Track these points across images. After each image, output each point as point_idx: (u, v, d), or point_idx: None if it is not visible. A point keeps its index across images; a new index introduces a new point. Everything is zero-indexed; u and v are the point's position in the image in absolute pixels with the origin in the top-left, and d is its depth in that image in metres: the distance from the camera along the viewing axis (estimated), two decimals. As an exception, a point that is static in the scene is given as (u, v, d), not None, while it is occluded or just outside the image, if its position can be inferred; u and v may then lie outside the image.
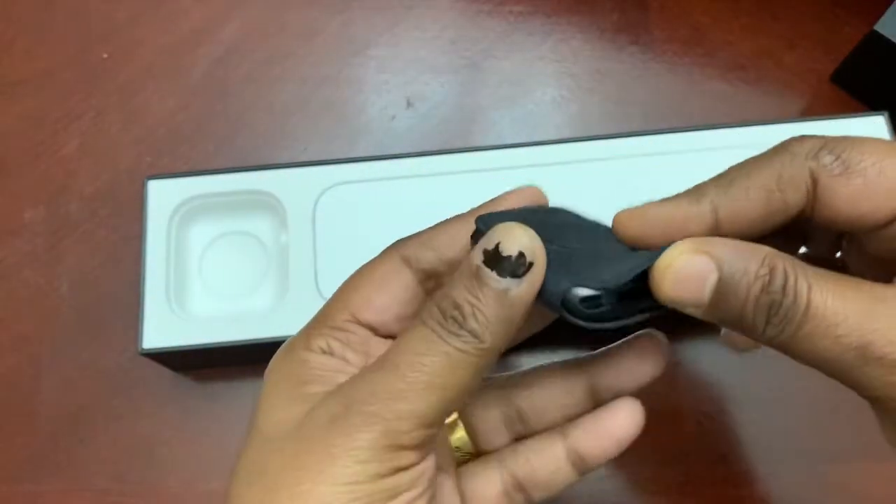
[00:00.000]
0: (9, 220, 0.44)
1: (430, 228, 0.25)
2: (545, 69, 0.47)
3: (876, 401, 0.21)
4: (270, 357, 0.26)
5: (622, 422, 0.26)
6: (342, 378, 0.23)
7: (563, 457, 0.26)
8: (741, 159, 0.28)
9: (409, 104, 0.46)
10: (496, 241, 0.21)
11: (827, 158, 0.22)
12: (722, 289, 0.21)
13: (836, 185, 0.22)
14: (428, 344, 0.21)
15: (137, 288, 0.38)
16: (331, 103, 0.46)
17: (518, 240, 0.21)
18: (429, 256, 0.25)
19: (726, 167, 0.24)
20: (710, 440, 0.39)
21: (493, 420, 0.27)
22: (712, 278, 0.21)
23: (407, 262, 0.25)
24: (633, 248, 0.23)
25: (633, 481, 0.39)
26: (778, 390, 0.39)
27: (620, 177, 0.39)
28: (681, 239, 0.22)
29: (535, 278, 0.21)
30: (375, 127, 0.46)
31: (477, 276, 0.21)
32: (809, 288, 0.20)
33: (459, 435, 0.27)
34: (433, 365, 0.21)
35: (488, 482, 0.27)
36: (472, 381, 0.22)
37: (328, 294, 0.37)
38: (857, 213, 0.22)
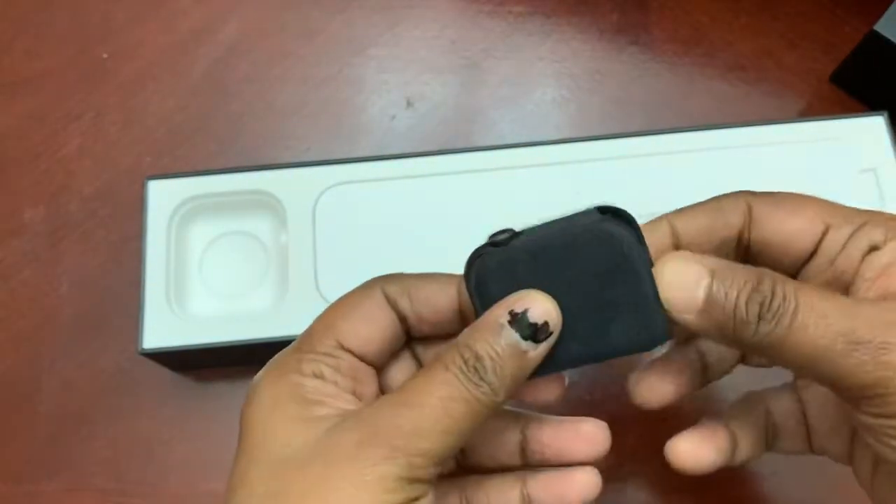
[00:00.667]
0: (9, 220, 0.44)
1: (412, 276, 0.27)
2: (545, 69, 0.47)
3: (862, 390, 0.22)
4: (270, 357, 0.26)
5: (577, 487, 0.28)
6: (342, 403, 0.24)
7: (518, 502, 0.28)
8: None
9: (409, 104, 0.46)
10: (525, 307, 0.23)
11: (760, 195, 0.26)
12: (714, 293, 0.23)
13: (768, 209, 0.25)
14: (452, 389, 0.23)
15: (137, 288, 0.38)
16: (331, 103, 0.46)
17: (546, 311, 0.23)
18: (405, 304, 0.26)
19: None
20: (709, 440, 0.39)
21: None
22: (704, 283, 0.23)
23: (390, 302, 0.26)
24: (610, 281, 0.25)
25: (633, 481, 0.39)
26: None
27: (620, 177, 0.39)
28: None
29: (549, 346, 0.24)
30: (375, 127, 0.46)
31: (500, 333, 0.23)
32: (797, 289, 0.22)
33: None
34: (456, 411, 0.23)
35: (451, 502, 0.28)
36: (478, 428, 0.23)
37: (328, 294, 0.37)
38: (785, 233, 0.25)
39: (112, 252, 0.43)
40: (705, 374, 0.30)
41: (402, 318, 0.26)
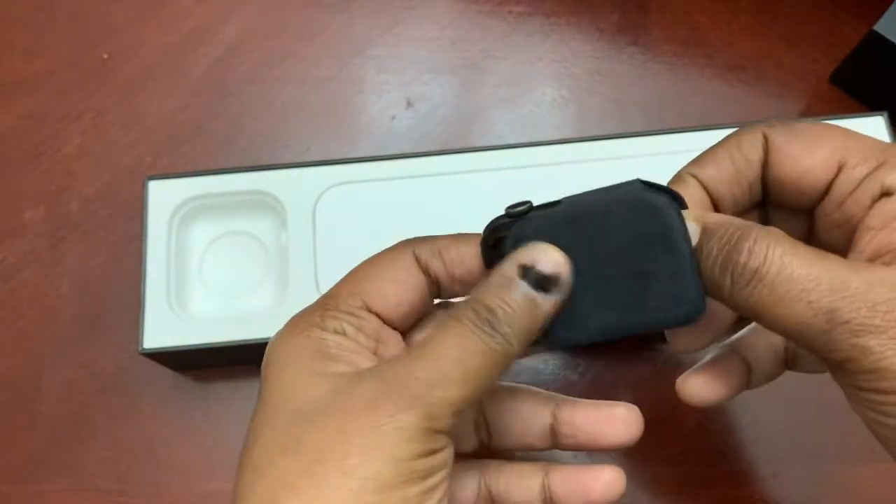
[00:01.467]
0: (9, 220, 0.44)
1: (443, 237, 0.26)
2: (545, 69, 0.47)
3: (839, 364, 0.22)
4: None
5: (601, 485, 0.27)
6: (362, 360, 0.24)
7: (538, 492, 0.27)
8: None
9: (409, 104, 0.46)
10: (533, 258, 0.23)
11: (776, 124, 0.25)
12: (701, 251, 0.23)
13: (783, 145, 0.25)
14: (465, 341, 0.23)
15: (137, 288, 0.38)
16: (331, 103, 0.46)
17: (554, 260, 0.24)
18: (438, 265, 0.26)
19: None
20: (710, 440, 0.39)
21: (465, 421, 0.28)
22: (695, 235, 0.23)
23: (420, 264, 0.26)
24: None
25: (633, 481, 0.39)
26: (778, 390, 0.39)
27: (620, 177, 0.38)
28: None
29: (561, 297, 0.24)
30: (375, 127, 0.46)
31: (510, 286, 0.23)
32: (783, 255, 0.22)
33: None
34: (472, 360, 0.23)
35: (466, 485, 0.28)
36: (494, 380, 0.23)
37: (328, 294, 0.37)
38: (799, 170, 0.24)
39: (112, 252, 0.43)
40: (749, 379, 0.29)
41: (434, 281, 0.26)
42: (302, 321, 0.25)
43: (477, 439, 0.29)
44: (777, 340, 0.30)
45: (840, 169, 0.24)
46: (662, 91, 0.46)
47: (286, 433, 0.22)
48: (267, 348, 0.25)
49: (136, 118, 0.46)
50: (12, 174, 0.45)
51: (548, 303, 0.23)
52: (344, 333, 0.24)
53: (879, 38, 0.40)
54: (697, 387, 0.28)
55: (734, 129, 0.38)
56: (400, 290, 0.25)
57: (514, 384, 0.29)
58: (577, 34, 0.47)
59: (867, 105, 0.44)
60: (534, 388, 0.29)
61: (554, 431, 0.28)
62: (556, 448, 0.28)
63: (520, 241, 0.24)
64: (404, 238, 0.27)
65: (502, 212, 0.26)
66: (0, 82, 0.47)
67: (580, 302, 0.25)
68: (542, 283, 0.23)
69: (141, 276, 0.38)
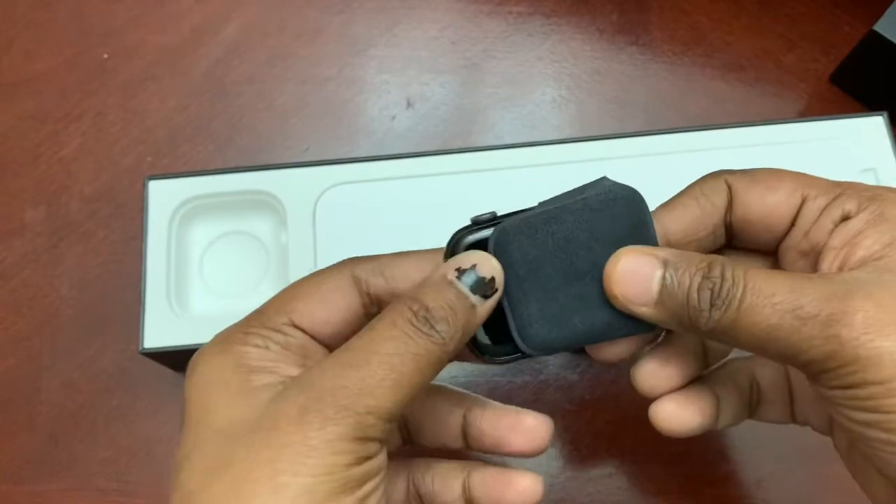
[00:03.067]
0: (9, 220, 0.44)
1: (386, 255, 0.26)
2: (545, 69, 0.47)
3: (818, 366, 0.22)
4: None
5: (516, 492, 0.27)
6: (287, 369, 0.24)
7: (459, 494, 0.28)
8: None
9: (409, 104, 0.46)
10: (472, 263, 0.24)
11: (736, 172, 0.26)
12: (668, 284, 0.23)
13: (747, 187, 0.26)
14: (398, 344, 0.23)
15: (137, 288, 0.38)
16: (331, 103, 0.46)
17: (493, 267, 0.24)
18: (379, 283, 0.26)
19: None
20: (710, 440, 0.39)
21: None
22: (658, 274, 0.24)
23: (357, 283, 0.26)
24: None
25: (633, 481, 0.39)
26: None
27: (620, 177, 0.38)
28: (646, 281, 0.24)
29: (494, 304, 0.24)
30: (375, 127, 0.46)
31: (450, 286, 0.24)
32: (745, 272, 0.23)
33: None
34: (403, 365, 0.22)
35: (396, 486, 0.28)
36: (429, 381, 0.23)
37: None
38: (766, 208, 0.25)
39: (112, 252, 0.43)
40: (706, 358, 0.29)
41: (374, 300, 0.26)
42: (224, 339, 0.25)
43: (399, 438, 0.29)
44: (744, 382, 0.30)
45: (803, 202, 0.25)
46: (662, 91, 0.46)
47: (214, 454, 0.22)
48: (188, 367, 0.25)
49: (136, 118, 0.46)
50: (12, 174, 0.45)
51: (483, 307, 0.24)
52: (267, 349, 0.24)
53: (879, 38, 0.40)
54: (668, 412, 0.28)
55: (734, 129, 0.39)
56: (330, 307, 0.25)
57: (434, 383, 0.29)
58: (577, 34, 0.47)
59: (867, 105, 0.44)
60: (449, 387, 0.29)
61: (465, 434, 0.28)
62: (468, 449, 0.28)
63: (499, 244, 0.25)
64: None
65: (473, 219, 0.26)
66: (0, 82, 0.47)
67: (555, 303, 0.25)
68: (481, 286, 0.24)
69: (141, 276, 0.38)
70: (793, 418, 0.30)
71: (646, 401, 0.28)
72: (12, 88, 0.47)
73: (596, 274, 0.25)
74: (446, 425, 0.28)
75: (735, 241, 0.27)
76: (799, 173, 0.26)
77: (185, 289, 0.39)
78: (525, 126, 0.45)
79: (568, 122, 0.45)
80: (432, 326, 0.23)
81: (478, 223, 0.26)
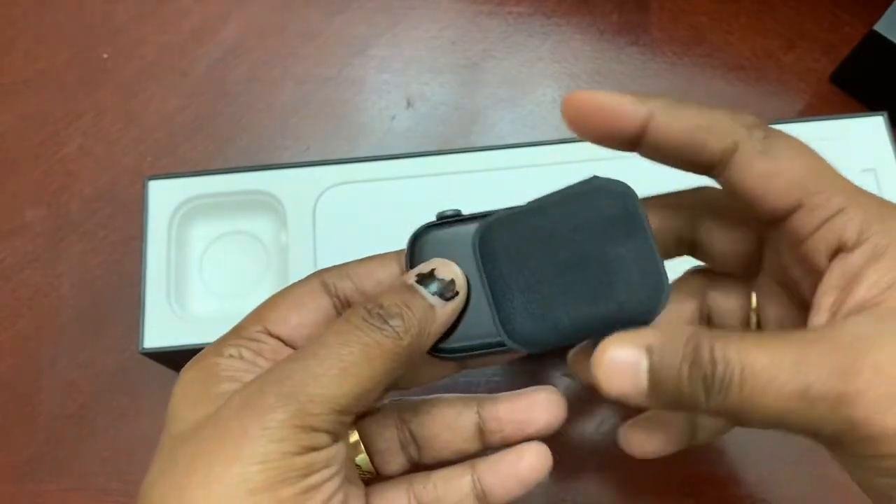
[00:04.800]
0: (9, 220, 0.44)
1: (352, 262, 0.27)
2: (545, 70, 0.47)
3: (832, 440, 0.21)
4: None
5: (527, 463, 0.27)
6: (252, 377, 0.24)
7: (469, 490, 0.27)
8: None
9: (409, 104, 0.46)
10: (432, 268, 0.25)
11: (757, 135, 0.23)
12: (655, 374, 0.22)
13: (754, 160, 0.23)
14: (347, 336, 0.23)
15: (137, 288, 0.38)
16: (331, 103, 0.46)
17: (453, 270, 0.25)
18: (346, 285, 0.26)
19: None
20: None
21: (389, 440, 0.28)
22: (643, 364, 0.22)
23: (326, 287, 0.26)
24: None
25: (633, 481, 0.39)
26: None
27: (620, 177, 0.39)
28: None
29: (456, 306, 0.25)
30: (375, 127, 0.46)
31: (410, 289, 0.24)
32: (737, 352, 0.21)
33: (359, 454, 0.28)
34: (350, 354, 0.22)
35: (395, 502, 0.27)
36: (385, 376, 0.23)
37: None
38: (762, 189, 0.23)
39: (112, 252, 0.43)
40: (695, 435, 0.29)
41: (344, 302, 0.26)
42: (201, 355, 0.25)
43: (405, 458, 0.29)
44: None
45: (798, 207, 0.23)
46: (662, 91, 0.46)
47: (166, 457, 0.23)
48: None
49: (136, 118, 0.46)
50: (12, 174, 0.45)
51: (444, 309, 0.24)
52: (241, 357, 0.25)
53: (879, 38, 0.40)
54: (637, 441, 0.27)
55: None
56: (301, 312, 0.26)
57: (434, 395, 0.29)
58: (577, 34, 0.47)
59: (867, 105, 0.44)
60: (454, 395, 0.29)
61: (482, 431, 0.28)
62: (487, 447, 0.28)
63: (483, 238, 0.25)
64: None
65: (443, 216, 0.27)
66: (0, 82, 0.47)
67: (539, 297, 0.25)
68: (442, 290, 0.24)
69: (141, 276, 0.38)
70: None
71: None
72: (12, 88, 0.47)
73: (582, 266, 0.24)
74: (460, 428, 0.28)
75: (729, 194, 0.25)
76: (816, 160, 0.24)
77: (185, 289, 0.39)
78: (525, 126, 0.45)
79: (568, 122, 0.45)
80: (385, 321, 0.23)
81: (442, 218, 0.26)
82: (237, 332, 0.26)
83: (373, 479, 0.28)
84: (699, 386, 0.21)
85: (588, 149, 0.39)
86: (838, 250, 0.23)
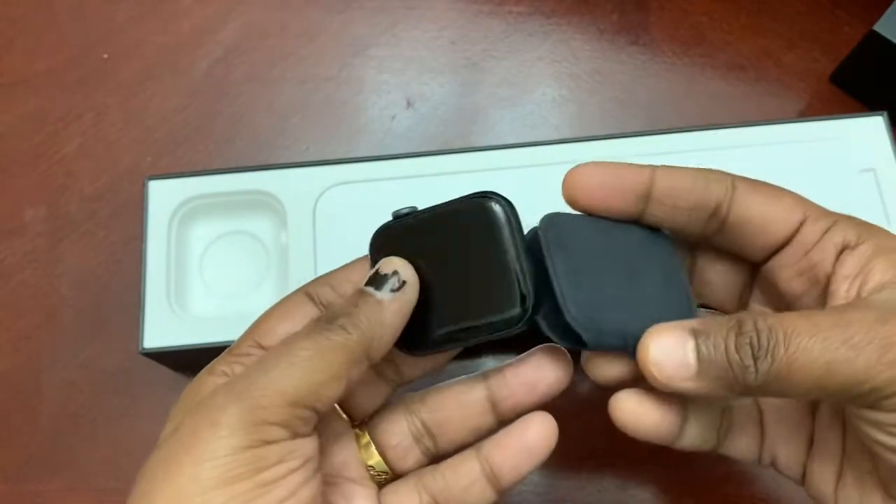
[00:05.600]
0: (9, 220, 0.44)
1: (331, 271, 0.28)
2: (545, 69, 0.47)
3: (873, 395, 0.22)
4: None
5: (533, 435, 0.27)
6: None
7: (478, 473, 0.27)
8: (741, 159, 0.30)
9: (409, 104, 0.46)
10: (376, 268, 0.26)
11: (742, 177, 0.27)
12: (703, 353, 0.23)
13: (755, 191, 0.26)
14: (300, 337, 0.24)
15: (137, 288, 0.38)
16: (331, 103, 0.46)
17: (394, 264, 0.26)
18: (326, 291, 0.28)
19: (726, 167, 0.27)
20: (709, 440, 0.39)
21: (400, 435, 0.29)
22: (689, 346, 0.23)
23: (310, 297, 0.28)
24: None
25: (633, 481, 0.39)
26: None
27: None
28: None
29: (407, 295, 0.25)
30: (375, 127, 0.46)
31: (359, 292, 0.25)
32: (778, 319, 0.23)
33: (373, 455, 0.29)
34: (301, 349, 0.23)
35: (405, 499, 0.28)
36: (340, 368, 0.24)
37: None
38: (765, 214, 0.26)
39: (112, 252, 0.43)
40: (681, 433, 0.28)
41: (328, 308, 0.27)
42: (197, 376, 0.26)
43: (420, 451, 0.29)
44: (716, 406, 0.28)
45: (804, 220, 0.26)
46: (662, 91, 0.46)
47: (144, 468, 0.23)
48: None
49: (136, 118, 0.46)
50: (12, 174, 0.45)
51: (391, 299, 0.25)
52: (232, 374, 0.25)
53: (879, 38, 0.40)
54: (627, 408, 0.27)
55: (734, 129, 0.39)
56: (289, 322, 0.27)
57: (439, 383, 0.29)
58: (577, 34, 0.47)
59: (867, 105, 0.44)
60: (459, 378, 0.29)
61: (492, 403, 0.28)
62: (500, 420, 0.28)
63: (374, 247, 0.28)
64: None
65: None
66: (0, 82, 0.47)
67: (601, 294, 0.26)
68: (389, 285, 0.25)
69: (141, 276, 0.38)
70: (759, 455, 0.29)
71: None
72: (12, 88, 0.47)
73: (638, 279, 0.26)
74: (471, 404, 0.28)
75: (722, 239, 0.27)
76: (796, 194, 0.26)
77: (185, 289, 0.39)
78: (525, 126, 0.45)
79: (568, 122, 0.45)
80: (332, 320, 0.24)
81: (397, 217, 0.28)
82: (230, 351, 0.27)
83: (390, 479, 0.29)
84: (747, 352, 0.22)
85: (588, 149, 0.39)
86: (844, 248, 0.25)
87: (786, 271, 0.26)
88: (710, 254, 0.29)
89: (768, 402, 0.29)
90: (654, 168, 0.26)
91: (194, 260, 0.40)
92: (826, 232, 0.25)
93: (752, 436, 0.29)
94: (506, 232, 0.26)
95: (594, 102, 0.46)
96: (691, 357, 0.23)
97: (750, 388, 0.23)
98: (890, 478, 0.24)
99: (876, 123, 0.39)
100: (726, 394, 0.23)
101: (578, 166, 0.26)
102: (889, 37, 0.40)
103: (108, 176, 0.45)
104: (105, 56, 0.48)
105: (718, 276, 0.29)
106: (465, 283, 0.26)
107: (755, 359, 0.22)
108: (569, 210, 0.27)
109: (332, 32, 0.48)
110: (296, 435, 0.23)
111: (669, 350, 0.23)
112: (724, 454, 0.29)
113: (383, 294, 0.25)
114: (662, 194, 0.26)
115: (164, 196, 0.39)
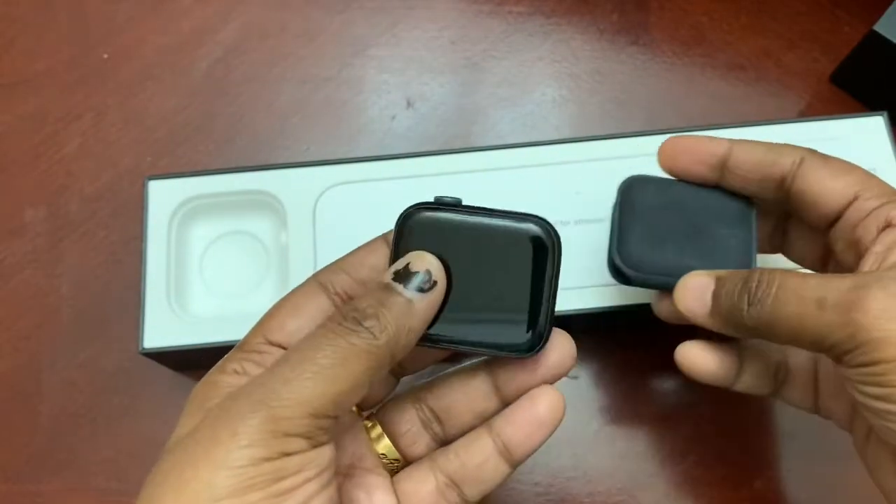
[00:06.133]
0: (9, 220, 0.44)
1: (343, 256, 0.28)
2: (545, 69, 0.47)
3: (837, 348, 0.25)
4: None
5: (542, 407, 0.27)
6: None
7: (491, 448, 0.28)
8: None
9: (409, 104, 0.46)
10: (406, 263, 0.25)
11: (814, 152, 0.30)
12: (717, 293, 0.28)
13: (819, 167, 0.29)
14: (320, 340, 0.23)
15: (137, 288, 0.38)
16: (331, 103, 0.46)
17: (427, 262, 0.25)
18: (342, 279, 0.27)
19: None
20: (709, 440, 0.39)
21: (409, 422, 0.29)
22: (711, 287, 0.28)
23: (323, 287, 0.27)
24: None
25: (632, 481, 0.39)
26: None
27: (620, 177, 0.39)
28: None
29: (436, 297, 0.25)
30: (375, 127, 0.46)
31: (385, 288, 0.24)
32: (780, 274, 0.26)
33: (384, 443, 0.29)
34: (324, 357, 0.23)
35: (421, 482, 0.28)
36: (363, 376, 0.23)
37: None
38: (830, 187, 0.29)
39: (112, 252, 0.43)
40: (738, 377, 0.31)
41: (343, 297, 0.27)
42: (207, 374, 0.26)
43: (429, 437, 0.29)
44: (773, 357, 0.32)
45: (855, 199, 0.28)
46: (662, 91, 0.46)
47: (154, 471, 0.23)
48: None
49: (136, 118, 0.46)
50: (12, 174, 0.45)
51: (422, 301, 0.24)
52: (243, 372, 0.25)
53: (879, 38, 0.40)
54: (690, 356, 0.31)
55: (734, 129, 0.39)
56: (299, 316, 0.26)
57: (442, 372, 0.30)
58: (577, 34, 0.47)
59: (867, 105, 0.44)
60: (463, 365, 0.29)
61: (496, 387, 0.28)
62: (505, 402, 0.28)
63: (400, 233, 0.27)
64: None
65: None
66: (0, 82, 0.47)
67: (656, 241, 0.31)
68: (418, 283, 0.25)
69: (141, 276, 0.38)
70: (816, 408, 0.32)
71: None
72: (12, 88, 0.47)
73: (698, 235, 0.31)
74: (475, 389, 0.28)
75: (793, 211, 0.31)
76: (865, 172, 0.29)
77: (185, 289, 0.39)
78: (525, 126, 0.45)
79: (568, 122, 0.45)
80: (359, 323, 0.23)
81: (440, 202, 0.27)
82: (240, 347, 0.26)
83: (402, 466, 0.29)
84: (744, 298, 0.27)
85: (588, 149, 0.39)
86: (886, 226, 0.27)
87: (840, 243, 0.29)
88: (797, 219, 0.32)
89: (823, 359, 0.31)
90: (732, 142, 0.30)
91: (194, 260, 0.40)
92: (874, 210, 0.28)
93: (807, 389, 0.31)
94: (549, 263, 0.26)
95: (594, 102, 0.46)
96: (707, 297, 0.28)
97: (746, 328, 0.27)
98: (883, 434, 0.26)
99: (876, 123, 0.39)
100: (732, 332, 0.28)
101: (673, 136, 0.32)
102: (889, 37, 0.40)
103: (108, 176, 0.45)
104: (105, 56, 0.48)
105: (802, 241, 0.32)
106: (487, 296, 0.26)
107: (749, 304, 0.26)
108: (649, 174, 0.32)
109: (332, 32, 0.48)
110: (315, 445, 0.23)
111: (695, 289, 0.28)
112: (781, 401, 0.32)
113: (412, 293, 0.24)
114: (734, 165, 0.30)
115: (163, 196, 0.39)
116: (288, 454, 0.22)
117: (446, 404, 0.29)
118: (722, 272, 0.29)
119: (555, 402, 0.27)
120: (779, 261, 0.34)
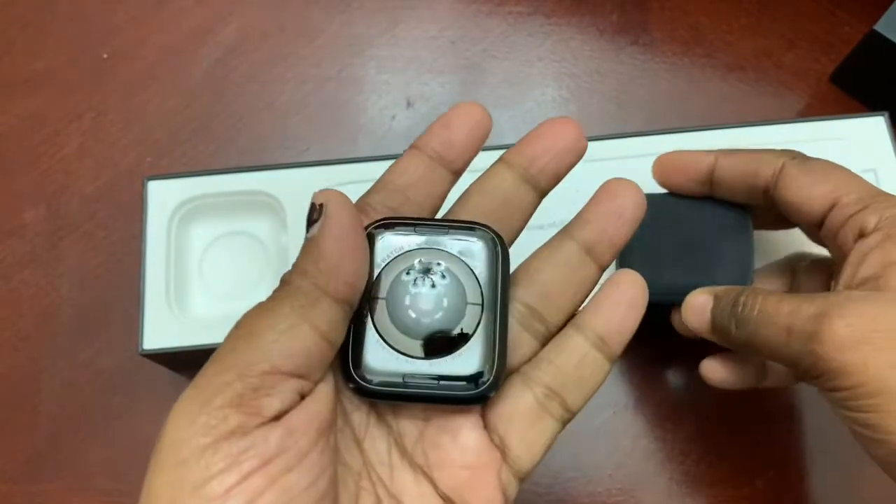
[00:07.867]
0: (9, 220, 0.44)
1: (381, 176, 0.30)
2: (545, 69, 0.47)
3: (808, 373, 0.27)
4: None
5: (626, 285, 0.26)
6: None
7: (584, 343, 0.26)
8: None
9: (409, 104, 0.46)
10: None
11: (798, 159, 0.31)
12: (714, 314, 0.30)
13: (798, 175, 0.30)
14: (270, 299, 0.24)
15: (137, 288, 0.38)
16: (331, 103, 0.46)
17: (314, 196, 0.25)
18: (381, 197, 0.30)
19: None
20: (709, 440, 0.39)
21: (510, 328, 0.26)
22: (710, 305, 0.31)
23: (365, 213, 0.29)
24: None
25: (633, 481, 0.39)
26: (777, 392, 0.39)
27: (620, 177, 0.39)
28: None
29: (330, 219, 0.24)
30: (375, 127, 0.46)
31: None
32: (763, 299, 0.28)
33: None
34: (278, 307, 0.23)
35: (518, 400, 0.25)
36: (320, 318, 0.23)
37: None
38: (807, 196, 0.30)
39: (112, 252, 0.43)
40: (764, 379, 0.34)
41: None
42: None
43: (532, 337, 0.26)
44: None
45: (833, 205, 0.29)
46: (662, 91, 0.46)
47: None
48: None
49: (136, 118, 0.46)
50: (12, 174, 0.45)
51: (314, 228, 0.24)
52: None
53: (879, 38, 0.40)
54: (712, 370, 0.33)
55: (734, 129, 0.39)
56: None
57: (521, 264, 0.28)
58: (577, 34, 0.47)
59: (867, 105, 0.44)
60: (542, 246, 0.28)
61: (587, 249, 0.27)
62: (600, 265, 0.27)
63: None
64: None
65: None
66: (0, 82, 0.47)
67: (656, 263, 0.33)
68: (311, 217, 0.25)
69: (141, 276, 0.38)
70: None
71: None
72: (12, 88, 0.47)
73: (694, 249, 0.33)
74: (569, 258, 0.27)
75: (783, 214, 0.31)
76: (847, 174, 0.30)
77: (185, 289, 0.39)
78: (525, 126, 0.45)
79: (568, 122, 0.45)
80: (291, 272, 0.24)
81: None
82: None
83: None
84: (732, 320, 0.29)
85: (588, 149, 0.39)
86: (860, 235, 0.28)
87: (829, 245, 0.31)
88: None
89: None
90: (717, 154, 0.32)
91: (194, 260, 0.40)
92: (850, 217, 0.29)
93: None
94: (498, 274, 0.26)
95: (594, 102, 0.46)
96: (707, 315, 0.31)
97: (736, 345, 0.30)
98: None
99: (876, 123, 0.39)
100: (731, 348, 0.31)
101: (664, 153, 0.34)
102: (889, 37, 0.40)
103: (108, 176, 0.45)
104: (105, 56, 0.48)
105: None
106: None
107: (736, 326, 0.29)
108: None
109: (332, 32, 0.48)
110: (286, 401, 0.22)
111: (696, 307, 0.31)
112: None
113: (311, 229, 0.24)
114: (720, 178, 0.32)
115: (163, 196, 0.39)
116: (258, 413, 0.22)
117: (541, 290, 0.26)
118: (719, 289, 0.31)
119: (637, 280, 0.26)
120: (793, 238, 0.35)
